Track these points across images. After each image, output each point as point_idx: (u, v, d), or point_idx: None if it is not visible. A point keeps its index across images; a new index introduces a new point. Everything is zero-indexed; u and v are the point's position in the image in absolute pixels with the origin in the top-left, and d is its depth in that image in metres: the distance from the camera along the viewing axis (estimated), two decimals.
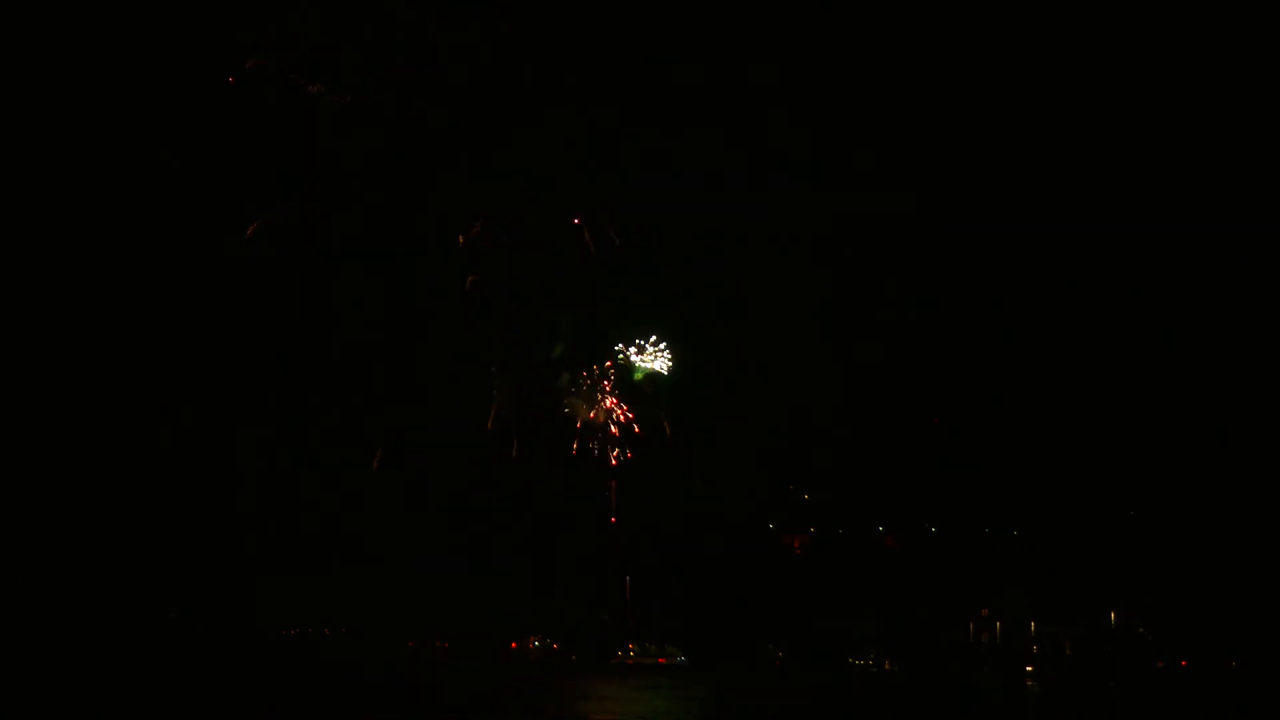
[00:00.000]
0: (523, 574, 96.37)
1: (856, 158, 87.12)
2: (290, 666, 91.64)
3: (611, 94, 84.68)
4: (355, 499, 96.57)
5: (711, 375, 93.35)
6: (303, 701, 66.25)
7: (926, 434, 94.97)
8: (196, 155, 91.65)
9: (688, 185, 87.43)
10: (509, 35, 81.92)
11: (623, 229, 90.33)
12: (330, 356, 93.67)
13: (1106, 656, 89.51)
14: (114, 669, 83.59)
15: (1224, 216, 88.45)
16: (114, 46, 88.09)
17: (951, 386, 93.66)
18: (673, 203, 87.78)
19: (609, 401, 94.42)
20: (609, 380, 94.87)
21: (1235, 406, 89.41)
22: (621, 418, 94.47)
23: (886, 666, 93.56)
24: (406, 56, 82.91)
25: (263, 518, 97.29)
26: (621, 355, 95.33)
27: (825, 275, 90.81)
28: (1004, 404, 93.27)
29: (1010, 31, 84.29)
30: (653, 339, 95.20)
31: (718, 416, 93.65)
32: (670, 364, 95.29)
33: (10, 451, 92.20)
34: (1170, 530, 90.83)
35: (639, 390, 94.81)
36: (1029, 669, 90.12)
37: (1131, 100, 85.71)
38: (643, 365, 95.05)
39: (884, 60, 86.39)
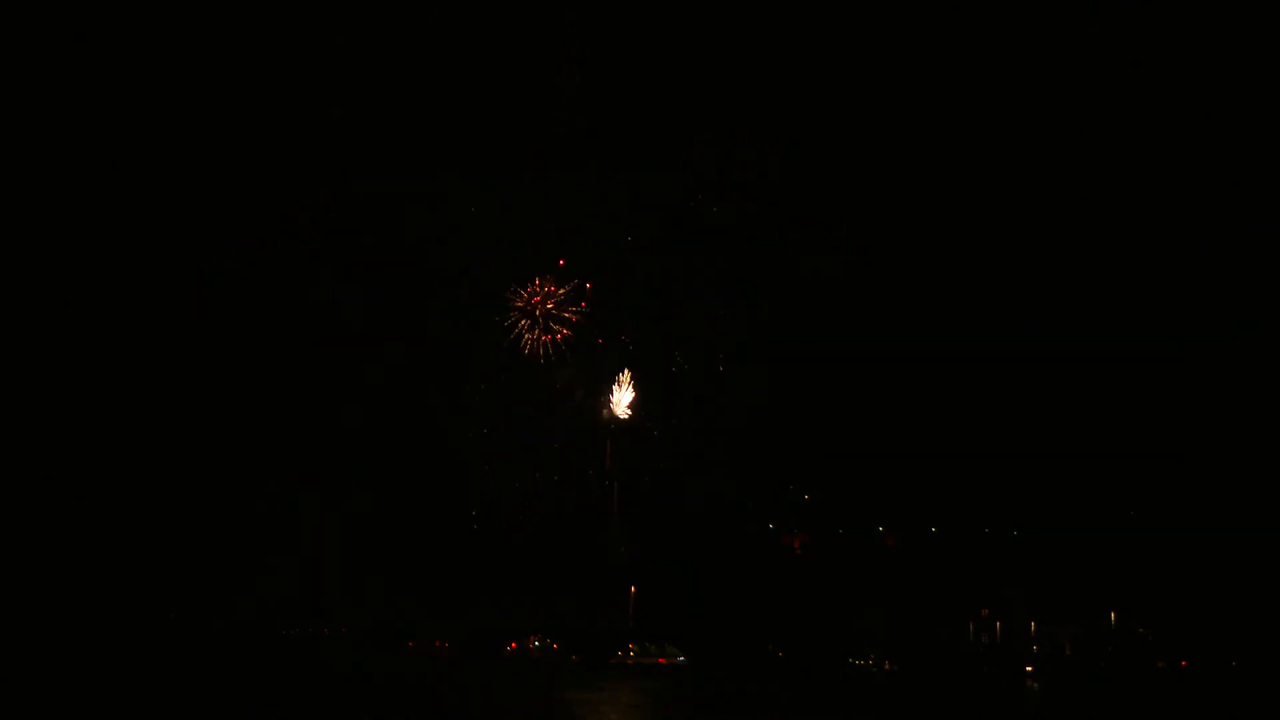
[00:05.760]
0: (523, 574, 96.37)
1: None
2: (290, 666, 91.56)
3: None
4: (355, 501, 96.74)
5: (710, 376, 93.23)
6: (303, 702, 66.23)
7: (927, 434, 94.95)
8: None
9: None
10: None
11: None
12: (333, 358, 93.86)
13: (1106, 656, 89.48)
14: (114, 669, 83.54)
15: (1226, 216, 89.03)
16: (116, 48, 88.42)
17: (952, 386, 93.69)
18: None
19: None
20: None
21: (1235, 407, 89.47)
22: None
23: (886, 666, 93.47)
24: None
25: (263, 518, 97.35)
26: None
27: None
28: (1004, 404, 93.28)
29: None
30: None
31: (716, 417, 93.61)
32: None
33: (11, 452, 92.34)
34: (1170, 531, 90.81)
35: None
36: (1029, 669, 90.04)
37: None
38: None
39: None
